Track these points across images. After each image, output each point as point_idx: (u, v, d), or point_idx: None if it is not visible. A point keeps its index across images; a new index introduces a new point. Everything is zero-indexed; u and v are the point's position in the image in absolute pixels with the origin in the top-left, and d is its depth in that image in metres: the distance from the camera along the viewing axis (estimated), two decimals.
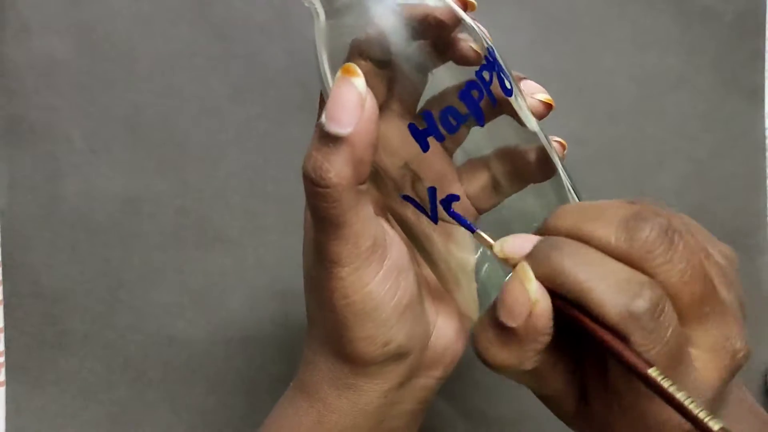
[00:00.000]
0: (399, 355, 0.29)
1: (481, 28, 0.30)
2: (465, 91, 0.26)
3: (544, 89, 0.31)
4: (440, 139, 0.27)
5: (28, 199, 0.49)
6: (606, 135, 0.49)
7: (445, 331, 0.31)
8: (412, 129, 0.26)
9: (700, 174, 0.49)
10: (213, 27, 0.49)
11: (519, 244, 0.25)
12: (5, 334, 0.50)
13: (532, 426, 0.49)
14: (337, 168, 0.25)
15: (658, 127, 0.49)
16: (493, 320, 0.24)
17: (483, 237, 0.26)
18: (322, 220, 0.27)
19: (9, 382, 0.50)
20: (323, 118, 0.25)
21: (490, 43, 0.29)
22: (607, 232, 0.24)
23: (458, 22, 0.28)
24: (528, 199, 0.30)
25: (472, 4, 0.29)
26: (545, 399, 0.27)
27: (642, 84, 0.49)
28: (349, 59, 0.27)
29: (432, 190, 0.27)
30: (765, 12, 0.49)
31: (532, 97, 0.30)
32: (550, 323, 0.24)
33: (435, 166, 0.28)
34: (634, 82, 0.49)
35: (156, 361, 0.49)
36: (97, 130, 0.49)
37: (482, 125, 0.27)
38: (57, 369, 0.49)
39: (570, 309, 0.23)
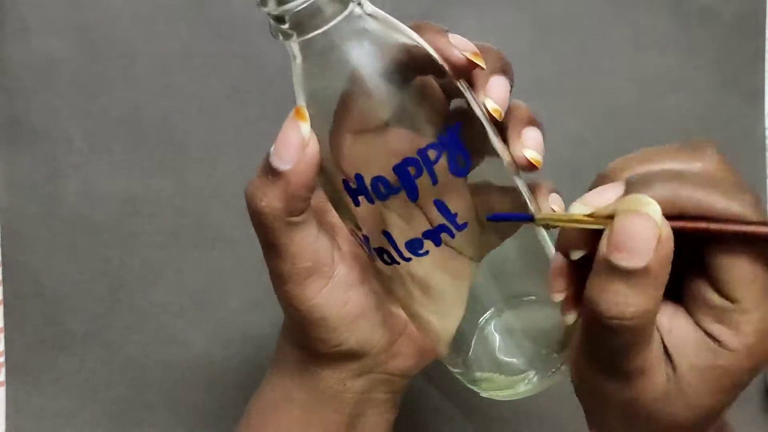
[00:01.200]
0: (353, 355, 0.32)
1: (469, 92, 0.29)
2: (400, 165, 0.27)
3: (538, 142, 0.30)
4: (370, 201, 0.27)
5: (28, 199, 0.49)
6: (606, 135, 0.49)
7: (416, 336, 0.33)
8: (344, 184, 0.27)
9: None
10: (212, 27, 0.49)
11: (599, 193, 0.25)
12: (5, 334, 0.50)
13: (532, 425, 0.49)
14: (269, 199, 0.28)
15: (657, 127, 0.49)
16: (613, 272, 0.22)
17: (547, 215, 0.26)
18: (261, 241, 0.30)
19: (9, 381, 0.50)
20: (270, 150, 0.28)
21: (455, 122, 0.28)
22: (677, 161, 0.25)
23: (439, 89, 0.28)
24: (508, 248, 0.30)
25: (478, 65, 0.29)
26: (639, 374, 0.25)
27: (642, 84, 0.49)
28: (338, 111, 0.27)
29: (387, 234, 0.28)
30: (765, 12, 0.49)
31: (520, 151, 0.30)
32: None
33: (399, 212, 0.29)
34: (633, 82, 0.49)
35: (155, 360, 0.49)
36: (97, 130, 0.49)
37: (414, 201, 0.27)
38: (57, 369, 0.49)
39: (696, 223, 0.23)
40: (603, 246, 0.23)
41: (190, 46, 0.49)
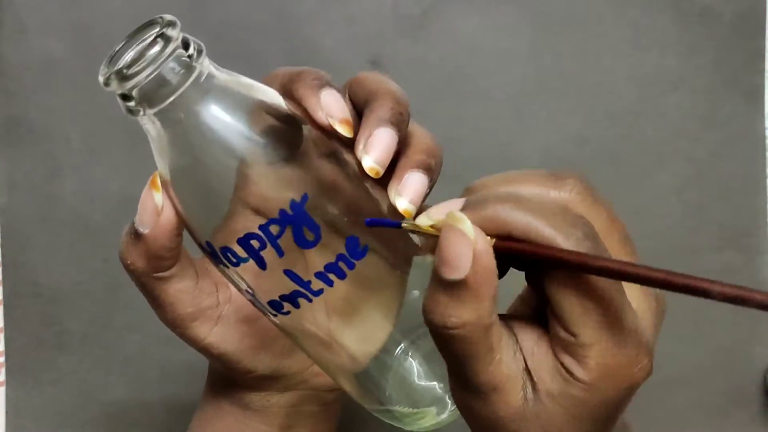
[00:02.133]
0: (269, 378, 0.33)
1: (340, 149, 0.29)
2: (243, 239, 0.27)
3: (416, 189, 0.28)
4: (225, 267, 0.28)
5: (27, 199, 0.49)
6: (606, 135, 0.49)
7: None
8: (202, 249, 0.28)
9: (700, 174, 0.49)
10: (211, 27, 0.49)
11: (445, 206, 0.25)
12: (5, 334, 0.50)
13: None
14: (132, 258, 0.30)
15: (657, 127, 0.49)
16: (440, 284, 0.23)
17: (412, 223, 0.26)
18: (141, 292, 0.32)
19: (8, 381, 0.50)
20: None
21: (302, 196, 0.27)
22: (534, 185, 0.24)
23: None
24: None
25: (340, 134, 0.28)
26: (492, 391, 0.25)
27: (642, 84, 0.49)
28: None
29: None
30: (764, 12, 0.49)
31: (393, 199, 0.28)
32: (494, 261, 0.23)
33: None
34: (633, 82, 0.49)
35: (154, 361, 0.49)
36: (95, 130, 0.49)
37: (264, 270, 0.28)
38: (56, 368, 0.50)
39: (519, 245, 0.23)
40: (435, 258, 0.23)
41: None
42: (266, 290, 0.28)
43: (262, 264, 0.27)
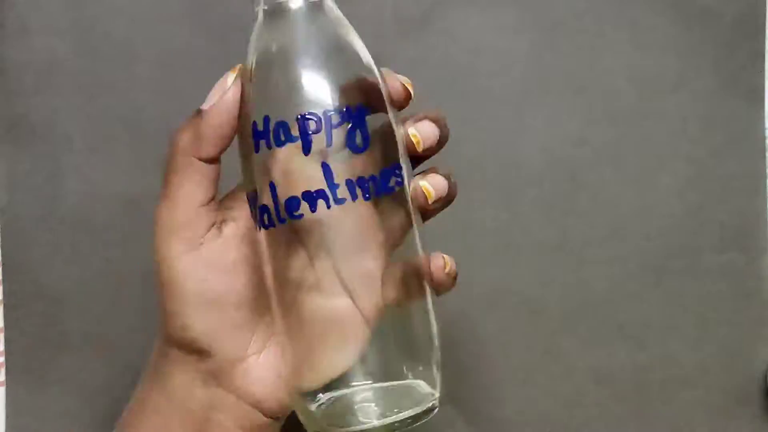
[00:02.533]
0: (199, 351, 0.32)
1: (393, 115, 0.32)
2: (303, 115, 0.29)
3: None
4: (268, 146, 0.30)
5: (29, 199, 0.50)
6: (606, 136, 0.49)
7: (264, 369, 0.33)
8: (253, 127, 0.30)
9: (700, 175, 0.49)
10: (212, 27, 0.49)
11: None
12: (5, 334, 0.50)
13: (536, 427, 0.49)
14: (181, 133, 0.32)
15: (658, 128, 0.49)
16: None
17: None
18: (162, 181, 0.32)
19: (9, 382, 0.50)
20: None
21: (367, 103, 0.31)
22: None
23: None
24: None
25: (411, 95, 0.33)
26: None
27: (642, 85, 0.49)
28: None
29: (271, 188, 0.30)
30: (765, 13, 0.49)
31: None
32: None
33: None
34: (633, 83, 0.49)
35: None
36: (97, 130, 0.50)
37: (306, 155, 0.29)
38: (57, 369, 0.50)
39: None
40: None
41: (191, 46, 0.49)
42: (292, 182, 0.30)
43: (307, 147, 0.29)
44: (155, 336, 0.34)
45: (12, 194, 0.49)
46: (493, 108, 0.49)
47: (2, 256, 0.50)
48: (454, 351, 0.49)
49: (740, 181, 0.49)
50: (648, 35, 0.49)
